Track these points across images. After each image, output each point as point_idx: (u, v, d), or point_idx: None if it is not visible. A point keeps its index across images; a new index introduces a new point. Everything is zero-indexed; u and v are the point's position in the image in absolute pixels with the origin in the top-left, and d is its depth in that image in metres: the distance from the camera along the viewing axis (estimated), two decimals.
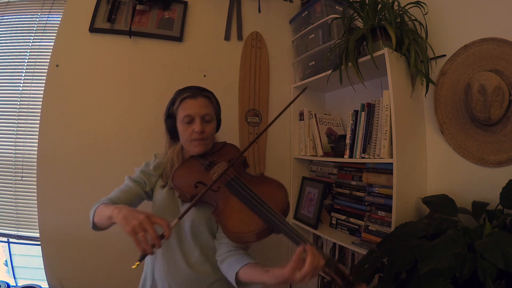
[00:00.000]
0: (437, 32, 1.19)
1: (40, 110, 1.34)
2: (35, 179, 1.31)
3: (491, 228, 0.83)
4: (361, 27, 1.21)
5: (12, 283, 1.48)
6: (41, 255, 1.28)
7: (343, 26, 1.31)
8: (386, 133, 1.14)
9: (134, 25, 1.45)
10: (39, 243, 1.30)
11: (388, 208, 1.18)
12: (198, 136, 0.93)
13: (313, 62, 1.55)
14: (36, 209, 1.30)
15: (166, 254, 0.91)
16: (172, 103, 0.98)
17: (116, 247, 1.33)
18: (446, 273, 0.69)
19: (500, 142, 0.99)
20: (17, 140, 1.46)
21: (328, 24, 1.42)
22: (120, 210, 0.69)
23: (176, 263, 0.90)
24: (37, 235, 1.31)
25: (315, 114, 1.53)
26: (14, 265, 1.50)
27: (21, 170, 1.44)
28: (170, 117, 0.99)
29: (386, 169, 1.21)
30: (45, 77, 1.35)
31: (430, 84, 1.15)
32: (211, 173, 0.90)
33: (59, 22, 1.41)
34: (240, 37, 1.66)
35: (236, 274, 0.77)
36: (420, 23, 1.19)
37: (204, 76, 1.57)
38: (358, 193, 1.36)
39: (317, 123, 1.52)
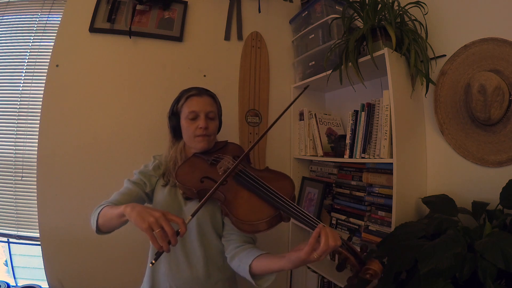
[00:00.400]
0: (437, 32, 1.19)
1: (40, 110, 1.34)
2: (35, 179, 1.31)
3: (491, 228, 0.83)
4: (361, 27, 1.21)
5: (12, 283, 1.48)
6: (41, 255, 1.28)
7: (343, 26, 1.31)
8: (386, 133, 1.14)
9: (134, 25, 1.45)
10: (39, 243, 1.30)
11: (388, 208, 1.18)
12: (202, 132, 0.95)
13: (313, 62, 1.55)
14: (36, 209, 1.30)
15: (168, 255, 0.90)
16: (177, 101, 1.01)
17: (116, 247, 1.33)
18: (446, 273, 0.69)
19: (500, 142, 0.99)
20: (17, 140, 1.46)
21: (328, 24, 1.42)
22: (133, 207, 0.69)
23: (178, 264, 0.90)
24: (37, 235, 1.31)
25: (315, 114, 1.53)
26: (14, 265, 1.50)
27: (21, 170, 1.44)
28: (174, 115, 1.00)
29: (386, 169, 1.21)
30: (45, 77, 1.35)
31: (430, 84, 1.15)
32: (218, 167, 0.91)
33: (59, 22, 1.41)
34: (240, 37, 1.66)
35: (250, 266, 0.77)
36: (420, 23, 1.19)
37: (204, 76, 1.57)
38: (358, 193, 1.36)
39: (317, 123, 1.52)
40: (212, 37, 1.61)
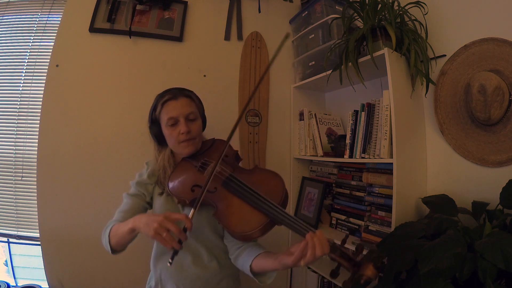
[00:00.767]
0: (437, 32, 1.19)
1: (40, 110, 1.33)
2: (35, 179, 1.31)
3: (491, 228, 0.83)
4: (361, 27, 1.21)
5: (12, 283, 1.48)
6: (41, 255, 1.28)
7: (343, 26, 1.31)
8: (386, 133, 1.14)
9: (134, 25, 1.45)
10: (39, 243, 1.30)
11: (388, 208, 1.18)
12: (185, 137, 0.91)
13: (313, 62, 1.55)
14: (36, 209, 1.30)
15: None
16: (154, 108, 0.96)
17: None
18: (446, 273, 0.69)
19: (500, 142, 0.99)
20: (17, 140, 1.46)
21: (328, 24, 1.42)
22: (140, 219, 0.73)
23: (183, 264, 0.90)
24: (37, 235, 1.31)
25: (315, 114, 1.53)
26: (14, 265, 1.50)
27: (21, 170, 1.44)
28: (154, 123, 0.97)
29: (386, 169, 1.21)
30: (45, 77, 1.35)
31: (430, 84, 1.15)
32: (205, 174, 0.89)
33: (59, 22, 1.41)
34: (240, 37, 1.66)
35: (250, 267, 0.79)
36: (420, 23, 1.19)
37: (204, 76, 1.56)
38: (358, 193, 1.36)
39: (317, 123, 1.52)
40: (212, 37, 1.61)
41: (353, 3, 1.25)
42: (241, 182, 0.83)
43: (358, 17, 1.27)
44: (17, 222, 1.44)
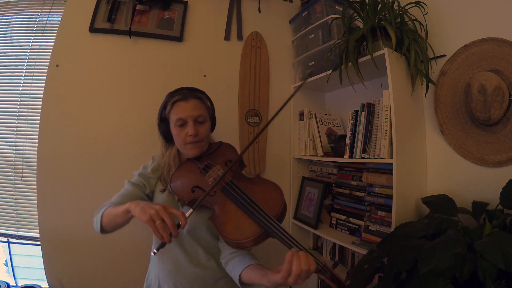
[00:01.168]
0: (437, 32, 1.19)
1: (40, 110, 1.33)
2: (35, 179, 1.31)
3: (491, 228, 0.83)
4: (361, 27, 1.21)
5: (12, 283, 1.48)
6: (41, 255, 1.28)
7: (343, 26, 1.31)
8: (386, 133, 1.14)
9: (134, 25, 1.45)
10: (39, 243, 1.30)
11: (388, 208, 1.18)
12: (192, 139, 0.92)
13: (313, 62, 1.55)
14: (36, 209, 1.30)
15: (170, 255, 0.91)
16: (164, 107, 0.97)
17: (116, 247, 1.33)
18: (446, 273, 0.69)
19: (500, 142, 0.99)
20: (17, 140, 1.46)
21: (328, 24, 1.42)
22: (137, 203, 0.72)
23: (180, 263, 0.90)
24: (37, 235, 1.31)
25: (315, 114, 1.53)
26: (14, 265, 1.50)
27: (21, 170, 1.44)
28: (163, 121, 0.98)
29: (386, 169, 1.21)
30: (45, 77, 1.35)
31: (430, 84, 1.15)
32: (206, 177, 0.89)
33: (59, 22, 1.41)
34: (240, 37, 1.66)
35: (239, 276, 0.78)
36: (420, 23, 1.19)
37: (204, 76, 1.57)
38: (358, 193, 1.36)
39: (317, 123, 1.52)
40: (212, 37, 1.61)
41: (353, 3, 1.25)
42: (241, 190, 0.83)
43: (358, 17, 1.27)
44: (17, 222, 1.44)
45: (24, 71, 1.50)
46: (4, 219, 1.44)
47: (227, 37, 1.63)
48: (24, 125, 1.46)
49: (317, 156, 1.52)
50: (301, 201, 1.62)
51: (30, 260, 1.48)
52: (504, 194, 0.85)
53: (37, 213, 1.30)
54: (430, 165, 1.21)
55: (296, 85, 1.67)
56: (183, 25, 1.54)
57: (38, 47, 1.51)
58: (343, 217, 1.41)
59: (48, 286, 1.29)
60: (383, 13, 1.18)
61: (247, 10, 1.69)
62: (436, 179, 1.19)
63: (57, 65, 1.36)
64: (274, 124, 1.69)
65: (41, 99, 1.34)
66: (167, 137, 0.99)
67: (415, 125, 1.21)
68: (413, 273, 0.79)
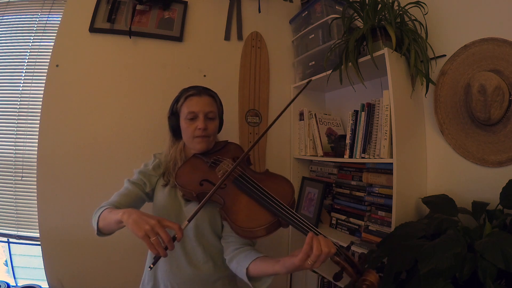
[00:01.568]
0: (437, 32, 1.19)
1: (40, 110, 1.33)
2: (35, 179, 1.31)
3: (491, 228, 0.83)
4: (361, 27, 1.21)
5: (12, 283, 1.48)
6: (41, 255, 1.28)
7: (343, 26, 1.31)
8: (386, 133, 1.14)
9: (134, 25, 1.45)
10: (39, 243, 1.30)
11: (388, 208, 1.18)
12: (201, 133, 0.94)
13: (313, 62, 1.55)
14: (36, 209, 1.30)
15: (169, 254, 0.90)
16: (177, 100, 1.00)
17: (116, 247, 1.33)
18: (446, 273, 0.69)
19: (500, 142, 0.99)
20: (17, 140, 1.46)
21: (328, 24, 1.42)
22: (130, 214, 0.68)
23: (178, 263, 0.90)
24: (37, 235, 1.31)
25: (315, 114, 1.53)
26: (14, 265, 1.50)
27: (21, 170, 1.44)
28: (173, 115, 1.00)
29: (386, 169, 1.21)
30: (45, 77, 1.35)
31: (430, 84, 1.15)
32: (217, 170, 0.90)
33: (59, 22, 1.41)
34: (240, 37, 1.66)
35: (247, 269, 0.77)
36: (420, 23, 1.19)
37: (204, 76, 1.57)
38: (358, 193, 1.36)
39: (317, 123, 1.52)
40: (212, 37, 1.61)
41: (353, 3, 1.25)
42: (252, 181, 0.83)
43: (358, 17, 1.27)
44: (17, 222, 1.44)
45: (24, 71, 1.50)
46: (4, 219, 1.44)
47: (227, 37, 1.63)
48: (24, 125, 1.46)
49: (317, 156, 1.52)
50: (301, 201, 1.62)
51: (30, 260, 1.48)
52: (504, 194, 0.85)
53: (37, 213, 1.30)
54: (430, 165, 1.21)
55: (296, 85, 1.67)
56: (183, 25, 1.54)
57: (38, 47, 1.51)
58: (343, 217, 1.41)
59: (48, 286, 1.29)
60: (383, 13, 1.18)
61: (247, 10, 1.69)
62: (436, 179, 1.19)
63: (57, 65, 1.36)
64: (274, 124, 1.68)
65: (41, 99, 1.34)
66: (175, 131, 1.01)
67: (415, 125, 1.21)
68: (413, 273, 0.79)
